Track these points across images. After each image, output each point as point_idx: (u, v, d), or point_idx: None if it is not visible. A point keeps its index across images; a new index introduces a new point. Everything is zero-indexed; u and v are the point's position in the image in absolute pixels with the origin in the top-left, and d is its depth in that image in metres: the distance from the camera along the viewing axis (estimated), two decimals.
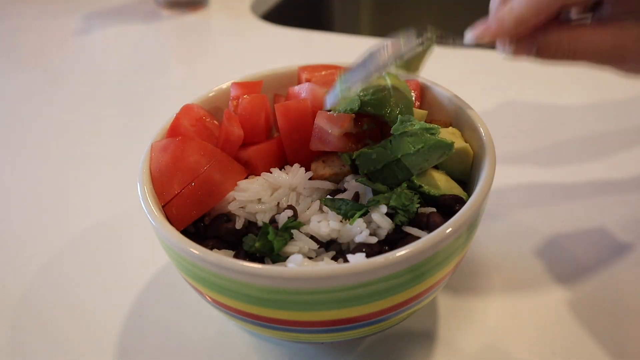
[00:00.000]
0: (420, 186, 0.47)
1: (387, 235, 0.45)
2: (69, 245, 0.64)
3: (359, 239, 0.43)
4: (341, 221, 0.45)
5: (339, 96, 0.47)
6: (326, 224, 0.45)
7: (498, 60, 0.96)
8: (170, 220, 0.45)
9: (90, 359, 0.52)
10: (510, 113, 0.83)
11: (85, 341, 0.53)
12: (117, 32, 1.16)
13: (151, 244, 0.59)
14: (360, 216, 0.44)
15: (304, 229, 0.46)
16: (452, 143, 0.46)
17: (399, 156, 0.46)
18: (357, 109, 0.50)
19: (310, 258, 0.45)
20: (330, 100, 0.48)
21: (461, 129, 0.52)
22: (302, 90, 0.53)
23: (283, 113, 0.50)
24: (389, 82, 0.53)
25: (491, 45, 0.46)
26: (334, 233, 0.45)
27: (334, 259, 0.44)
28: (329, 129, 0.48)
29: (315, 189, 0.49)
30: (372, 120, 0.50)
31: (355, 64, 0.48)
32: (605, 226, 0.62)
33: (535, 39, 0.43)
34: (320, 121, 0.49)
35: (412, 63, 0.48)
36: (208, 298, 0.45)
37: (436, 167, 0.50)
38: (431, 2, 1.45)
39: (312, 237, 0.46)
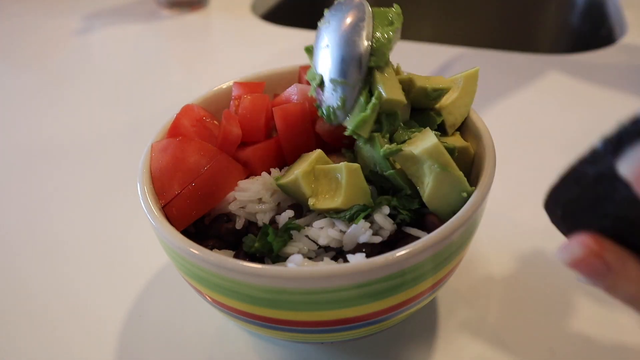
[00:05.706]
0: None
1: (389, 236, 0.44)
2: (68, 245, 0.64)
3: (361, 239, 0.43)
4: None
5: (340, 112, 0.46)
6: (329, 231, 0.44)
7: (498, 60, 0.96)
8: (170, 220, 0.45)
9: (90, 359, 0.52)
10: (511, 113, 0.83)
11: (85, 341, 0.53)
12: (117, 32, 1.16)
13: (151, 244, 0.59)
14: (364, 217, 0.44)
15: (305, 231, 0.45)
16: (455, 148, 0.46)
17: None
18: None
19: (310, 258, 0.45)
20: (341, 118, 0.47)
21: (461, 130, 0.52)
22: (293, 93, 0.53)
23: (281, 116, 0.50)
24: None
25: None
26: (334, 242, 0.44)
27: (334, 259, 0.44)
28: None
29: None
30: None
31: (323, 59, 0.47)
32: None
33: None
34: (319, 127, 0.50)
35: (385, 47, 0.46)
36: (208, 298, 0.45)
37: None
38: (431, 2, 1.45)
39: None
